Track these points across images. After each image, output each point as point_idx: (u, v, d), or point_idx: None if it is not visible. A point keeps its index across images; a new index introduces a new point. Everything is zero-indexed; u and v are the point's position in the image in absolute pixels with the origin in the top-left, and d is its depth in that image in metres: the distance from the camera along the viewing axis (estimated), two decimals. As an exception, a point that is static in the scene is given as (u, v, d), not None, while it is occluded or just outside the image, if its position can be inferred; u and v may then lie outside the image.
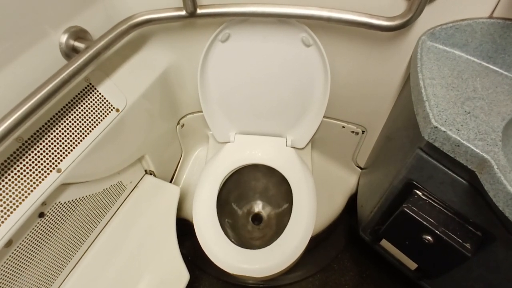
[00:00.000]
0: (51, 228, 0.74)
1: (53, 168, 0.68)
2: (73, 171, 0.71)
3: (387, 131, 1.00)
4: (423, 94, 0.66)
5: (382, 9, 0.75)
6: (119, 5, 0.81)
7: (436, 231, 0.70)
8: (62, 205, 0.75)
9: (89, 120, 0.75)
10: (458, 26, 0.72)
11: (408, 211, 0.73)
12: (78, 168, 0.73)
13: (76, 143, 0.72)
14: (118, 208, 0.95)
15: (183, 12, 0.77)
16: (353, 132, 1.12)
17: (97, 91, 0.77)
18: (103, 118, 0.77)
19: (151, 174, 1.06)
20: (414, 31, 0.77)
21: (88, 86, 0.76)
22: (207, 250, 0.89)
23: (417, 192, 0.75)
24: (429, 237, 0.72)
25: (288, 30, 0.85)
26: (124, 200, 0.97)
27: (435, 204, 0.73)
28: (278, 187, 1.15)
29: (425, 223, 0.71)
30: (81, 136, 0.73)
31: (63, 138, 0.70)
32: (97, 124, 0.76)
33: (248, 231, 1.16)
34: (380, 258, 1.06)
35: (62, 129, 0.70)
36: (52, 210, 0.73)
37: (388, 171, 0.87)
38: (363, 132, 1.10)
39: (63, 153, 0.70)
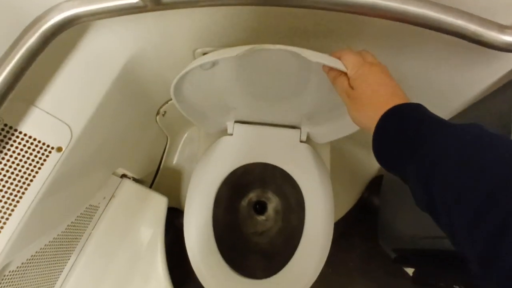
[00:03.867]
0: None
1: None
2: (14, 245, 0.52)
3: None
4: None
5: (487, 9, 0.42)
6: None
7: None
8: (15, 272, 0.58)
9: (16, 181, 0.50)
10: None
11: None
12: (21, 239, 0.52)
13: (4, 218, 0.50)
14: (90, 235, 0.77)
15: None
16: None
17: (20, 132, 0.50)
18: (39, 168, 0.52)
19: (129, 178, 0.85)
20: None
21: (2, 129, 0.48)
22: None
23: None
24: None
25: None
26: (98, 220, 0.78)
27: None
28: (283, 182, 0.95)
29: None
30: (9, 207, 0.50)
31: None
32: (30, 181, 0.52)
33: (251, 225, 1.02)
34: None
35: (-25, 207, 0.47)
36: (3, 285, 0.56)
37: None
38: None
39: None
